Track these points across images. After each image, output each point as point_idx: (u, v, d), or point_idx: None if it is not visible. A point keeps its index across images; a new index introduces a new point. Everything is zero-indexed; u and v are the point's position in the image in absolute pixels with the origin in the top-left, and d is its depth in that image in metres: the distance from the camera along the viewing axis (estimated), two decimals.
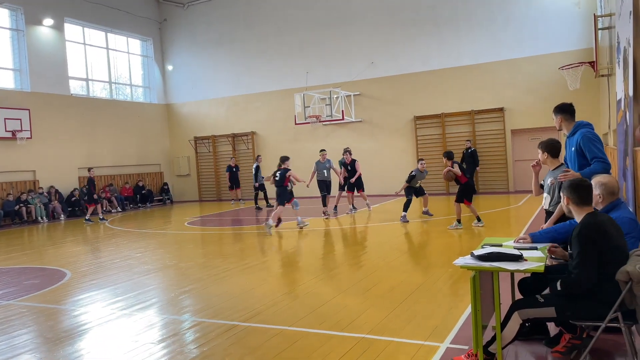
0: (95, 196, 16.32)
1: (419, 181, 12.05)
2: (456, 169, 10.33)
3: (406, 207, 11.76)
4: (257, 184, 16.94)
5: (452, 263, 3.85)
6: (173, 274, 7.63)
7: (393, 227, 11.13)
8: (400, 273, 6.83)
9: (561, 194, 3.72)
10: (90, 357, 4.38)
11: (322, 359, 3.96)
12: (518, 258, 3.50)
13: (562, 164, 4.74)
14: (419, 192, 12.18)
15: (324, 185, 13.77)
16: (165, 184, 23.13)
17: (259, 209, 16.96)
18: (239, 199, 19.78)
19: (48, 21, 18.81)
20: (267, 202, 17.48)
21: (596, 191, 3.77)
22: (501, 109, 17.62)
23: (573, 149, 4.72)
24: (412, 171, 12.05)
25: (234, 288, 6.53)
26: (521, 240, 4.15)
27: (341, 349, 4.14)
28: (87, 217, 16.14)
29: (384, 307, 5.19)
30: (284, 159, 11.64)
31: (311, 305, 5.46)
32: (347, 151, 13.54)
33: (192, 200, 23.29)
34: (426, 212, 12.30)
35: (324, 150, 14.26)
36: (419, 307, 5.17)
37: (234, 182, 19.43)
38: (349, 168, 13.45)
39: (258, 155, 17.83)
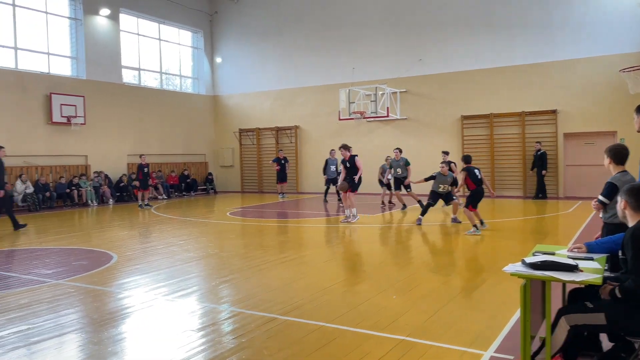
0: (150, 182, 17.14)
1: (442, 185, 11.28)
2: (460, 176, 10.44)
3: (424, 212, 11.37)
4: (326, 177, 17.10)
5: (501, 270, 3.70)
6: (214, 263, 7.73)
7: (433, 229, 10.91)
8: (442, 276, 6.67)
9: (618, 197, 3.52)
10: (133, 341, 4.48)
11: (361, 359, 3.90)
12: (573, 268, 3.32)
13: (625, 171, 4.46)
14: (447, 198, 11.42)
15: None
16: (210, 174, 23.55)
17: (326, 202, 16.95)
18: (281, 193, 19.47)
19: (105, 11, 19.42)
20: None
21: None
22: (554, 111, 16.98)
23: None
24: (434, 172, 11.55)
25: (273, 280, 6.55)
26: (575, 250, 3.95)
27: (380, 349, 4.06)
28: (145, 203, 16.76)
29: (425, 310, 5.07)
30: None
31: (350, 303, 5.40)
32: (343, 147, 12.20)
33: (235, 190, 23.63)
34: (454, 220, 11.42)
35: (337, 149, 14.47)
36: (461, 311, 5.02)
37: (282, 175, 19.15)
38: (348, 165, 12.03)
39: (332, 150, 17.09)
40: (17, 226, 11.67)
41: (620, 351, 3.59)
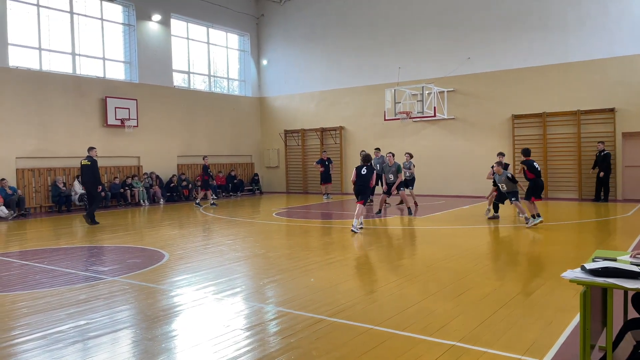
0: (210, 182, 18.04)
1: (500, 184, 11.61)
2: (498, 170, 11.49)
3: (496, 208, 12.14)
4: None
5: (558, 276, 3.55)
6: (261, 263, 7.82)
7: (484, 231, 10.64)
8: (494, 280, 6.48)
9: None
10: (184, 338, 4.58)
11: None
12: (638, 275, 3.14)
13: None
14: (501, 197, 11.90)
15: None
16: (256, 174, 23.89)
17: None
18: (325, 194, 19.34)
19: (156, 17, 20.06)
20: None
21: None
22: (612, 110, 16.22)
23: None
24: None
25: (320, 282, 6.55)
26: (639, 255, 3.74)
27: (430, 355, 3.99)
28: (211, 202, 17.67)
29: (477, 315, 4.93)
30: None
31: (398, 306, 5.32)
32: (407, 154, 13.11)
33: (280, 191, 23.86)
34: (530, 217, 10.99)
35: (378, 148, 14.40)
36: (515, 318, 4.86)
37: (325, 176, 19.03)
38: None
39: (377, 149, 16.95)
40: (92, 222, 12.84)
41: None
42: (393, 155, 13.91)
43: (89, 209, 13.14)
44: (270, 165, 24.36)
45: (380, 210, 13.58)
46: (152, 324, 4.92)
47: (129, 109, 18.69)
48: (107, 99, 18.12)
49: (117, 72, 19.41)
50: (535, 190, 10.96)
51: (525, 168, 11.15)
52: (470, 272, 6.87)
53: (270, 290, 6.20)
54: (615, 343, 3.18)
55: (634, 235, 9.42)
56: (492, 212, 12.24)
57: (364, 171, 11.11)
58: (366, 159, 11.22)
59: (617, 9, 15.98)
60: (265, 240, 10.10)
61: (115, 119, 18.29)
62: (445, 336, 4.37)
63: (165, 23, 20.46)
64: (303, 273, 7.01)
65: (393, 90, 18.44)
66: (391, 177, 13.57)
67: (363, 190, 11.10)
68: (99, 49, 18.68)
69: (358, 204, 10.91)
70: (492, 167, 11.97)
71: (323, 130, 22.39)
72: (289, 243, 9.80)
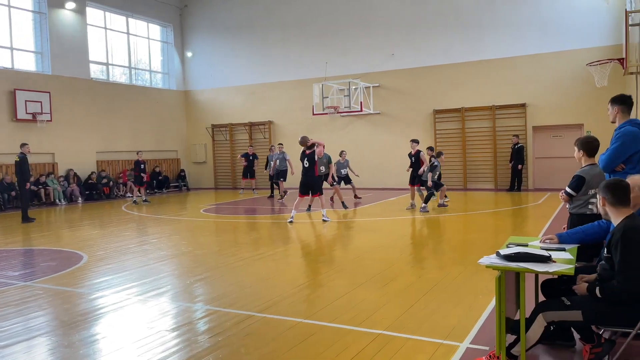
0: (146, 178, 17.50)
1: (434, 174, 12.44)
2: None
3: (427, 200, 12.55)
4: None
5: (476, 262, 3.74)
6: (188, 261, 7.62)
7: (410, 222, 11.00)
8: (418, 268, 6.72)
9: (597, 194, 3.57)
10: (105, 342, 4.36)
11: (339, 355, 3.89)
12: (546, 259, 3.37)
13: (594, 164, 4.54)
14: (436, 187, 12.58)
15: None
16: (182, 170, 23.22)
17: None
18: (253, 189, 19.42)
19: (70, 4, 18.88)
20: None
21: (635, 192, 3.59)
22: (523, 105, 17.30)
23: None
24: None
25: (249, 277, 6.49)
26: (548, 240, 4.02)
27: (357, 345, 4.06)
28: (143, 199, 17.12)
29: (402, 303, 5.09)
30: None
31: (327, 299, 5.38)
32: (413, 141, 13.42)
33: (208, 187, 23.36)
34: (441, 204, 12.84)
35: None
36: (437, 304, 5.06)
37: (249, 171, 19.15)
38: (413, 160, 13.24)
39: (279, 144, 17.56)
40: (26, 220, 12.61)
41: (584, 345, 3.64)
42: (323, 146, 13.79)
43: (22, 208, 12.90)
44: (198, 161, 23.77)
45: (309, 207, 13.61)
46: (70, 330, 4.65)
47: (41, 102, 17.47)
48: (17, 91, 16.83)
49: (27, 63, 18.08)
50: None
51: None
52: (396, 261, 7.09)
53: (198, 289, 6.06)
54: (528, 324, 3.39)
55: (544, 222, 10.13)
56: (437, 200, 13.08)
57: (306, 164, 11.27)
58: (303, 142, 11.40)
59: (528, 10, 17.03)
60: (192, 238, 9.85)
61: (26, 113, 17.05)
62: (372, 325, 4.47)
63: (80, 11, 19.30)
64: (232, 270, 6.91)
65: (321, 85, 18.57)
66: (322, 169, 13.52)
67: (311, 181, 11.24)
68: (6, 37, 17.30)
69: (300, 197, 11.34)
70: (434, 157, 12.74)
71: (252, 125, 22.15)
72: (217, 240, 9.62)
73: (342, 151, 15.31)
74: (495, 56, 17.56)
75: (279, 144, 17.68)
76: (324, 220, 11.10)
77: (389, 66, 19.18)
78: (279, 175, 16.76)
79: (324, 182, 13.45)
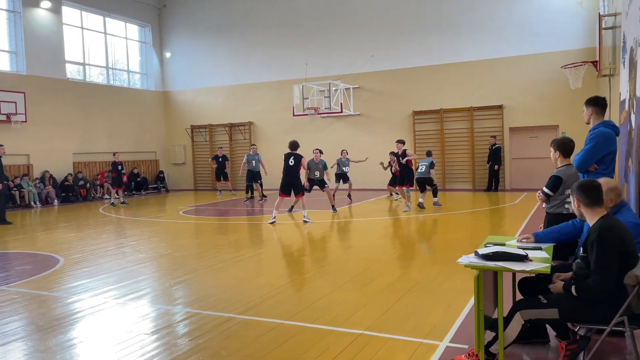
0: (125, 179, 17.19)
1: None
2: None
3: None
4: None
5: (455, 261, 3.78)
6: (167, 264, 7.54)
7: (390, 222, 11.07)
8: (398, 268, 6.77)
9: (571, 196, 3.65)
10: (83, 347, 4.30)
11: (320, 356, 3.89)
12: (523, 258, 3.43)
13: (570, 164, 4.64)
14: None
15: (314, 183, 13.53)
16: (161, 172, 22.97)
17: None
18: (231, 190, 19.64)
19: (45, 3, 18.52)
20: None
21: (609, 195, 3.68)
22: (500, 106, 17.56)
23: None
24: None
25: (229, 279, 6.45)
26: (524, 240, 4.10)
27: (338, 345, 4.08)
28: (121, 201, 16.92)
29: (382, 303, 5.12)
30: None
31: (308, 299, 5.39)
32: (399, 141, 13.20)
33: (188, 189, 23.15)
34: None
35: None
36: (417, 304, 5.11)
37: (221, 173, 19.11)
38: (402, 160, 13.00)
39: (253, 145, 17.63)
40: (2, 222, 12.31)
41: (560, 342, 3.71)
42: (320, 152, 13.61)
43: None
44: (177, 162, 23.54)
45: (292, 207, 13.49)
46: (46, 335, 4.56)
47: (15, 102, 17.09)
48: None
49: (1, 62, 17.68)
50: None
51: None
52: (377, 261, 7.13)
53: (178, 291, 6.00)
54: (506, 323, 3.44)
55: (521, 221, 10.30)
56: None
57: (291, 162, 11.18)
58: (293, 146, 11.32)
59: (505, 13, 17.32)
60: (171, 240, 9.75)
61: (0, 114, 16.67)
62: (352, 326, 4.49)
63: (55, 10, 18.95)
64: (212, 272, 6.86)
65: (301, 86, 18.56)
66: (317, 174, 13.23)
67: (293, 182, 11.15)
68: None
69: (281, 197, 11.25)
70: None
71: (232, 126, 22.03)
72: (197, 242, 9.54)
73: (343, 150, 15.71)
74: (473, 58, 17.80)
75: (252, 145, 17.79)
76: (305, 221, 11.10)
77: (368, 68, 19.28)
78: (255, 177, 16.74)
79: (312, 187, 13.36)
